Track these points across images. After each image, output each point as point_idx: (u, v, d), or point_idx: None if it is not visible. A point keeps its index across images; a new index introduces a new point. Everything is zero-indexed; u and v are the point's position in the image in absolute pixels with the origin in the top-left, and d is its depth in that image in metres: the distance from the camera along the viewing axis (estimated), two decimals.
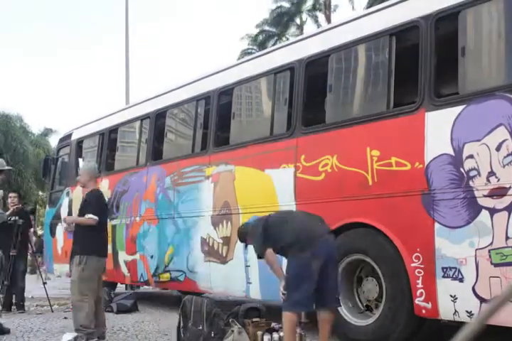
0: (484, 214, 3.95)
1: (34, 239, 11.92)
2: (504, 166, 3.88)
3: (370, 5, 21.60)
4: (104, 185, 8.75)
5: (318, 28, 26.16)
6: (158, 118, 7.84)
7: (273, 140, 5.87)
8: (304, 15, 31.03)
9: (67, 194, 9.84)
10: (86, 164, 6.78)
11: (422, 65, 4.52)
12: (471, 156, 4.07)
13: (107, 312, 7.44)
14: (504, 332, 4.09)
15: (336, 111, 5.44)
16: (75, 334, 5.04)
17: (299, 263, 4.12)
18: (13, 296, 7.98)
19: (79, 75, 78.02)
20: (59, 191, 10.29)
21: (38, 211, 35.82)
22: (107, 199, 8.62)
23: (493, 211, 3.90)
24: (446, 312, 4.19)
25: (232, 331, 4.90)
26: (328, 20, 29.00)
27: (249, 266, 5.98)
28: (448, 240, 4.17)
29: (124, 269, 8.15)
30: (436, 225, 4.24)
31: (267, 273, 5.75)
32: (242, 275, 6.05)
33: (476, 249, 3.98)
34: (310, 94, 5.55)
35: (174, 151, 7.63)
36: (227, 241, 6.28)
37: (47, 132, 33.17)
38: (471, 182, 4.05)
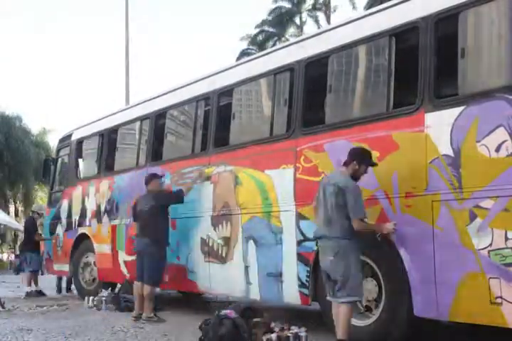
0: (484, 215, 3.96)
1: None
2: (503, 167, 3.88)
3: (369, 5, 21.62)
4: (104, 186, 8.76)
5: (318, 28, 26.20)
6: (158, 118, 7.84)
7: (273, 141, 5.87)
8: (304, 16, 31.06)
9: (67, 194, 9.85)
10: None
11: (421, 66, 4.52)
12: (470, 157, 4.08)
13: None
14: (504, 332, 4.10)
15: (335, 111, 5.45)
16: None
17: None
18: None
19: (79, 75, 78.05)
20: (59, 191, 10.30)
21: None
22: (105, 200, 8.68)
23: (492, 212, 3.91)
24: (445, 312, 4.20)
25: None
26: (328, 20, 29.03)
27: (248, 267, 5.99)
28: (447, 241, 4.18)
29: (123, 269, 8.15)
30: (436, 226, 4.25)
31: (266, 273, 5.77)
32: (241, 276, 6.06)
33: (476, 250, 3.99)
34: (310, 95, 5.55)
35: (174, 152, 7.63)
36: (227, 241, 6.29)
37: (46, 132, 33.15)
38: (470, 184, 4.06)
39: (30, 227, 10.82)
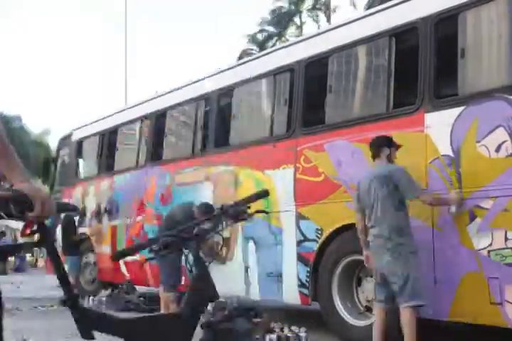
0: (483, 216, 3.97)
1: None
2: (503, 168, 3.89)
3: (369, 6, 21.61)
4: (104, 186, 8.77)
5: (318, 28, 26.20)
6: (158, 119, 7.85)
7: (273, 141, 5.88)
8: (304, 16, 31.04)
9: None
10: None
11: (421, 66, 4.53)
12: (470, 158, 4.09)
13: None
14: (504, 332, 4.10)
15: (335, 111, 5.45)
16: None
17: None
18: None
19: (79, 76, 78.06)
20: (59, 191, 10.29)
21: None
22: (106, 200, 8.68)
23: (492, 212, 3.92)
24: (445, 312, 4.21)
25: None
26: (329, 20, 29.02)
27: (248, 267, 5.99)
28: (447, 241, 4.19)
29: (123, 269, 8.15)
30: (436, 226, 4.25)
31: (266, 273, 5.78)
32: (241, 276, 6.06)
33: (476, 250, 3.99)
34: (310, 95, 5.56)
35: (174, 152, 7.64)
36: (226, 241, 6.29)
37: (47, 132, 33.16)
38: (470, 184, 4.06)
39: (71, 226, 9.15)
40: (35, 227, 1.69)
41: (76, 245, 9.13)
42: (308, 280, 5.31)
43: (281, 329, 5.01)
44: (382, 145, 4.29)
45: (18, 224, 26.64)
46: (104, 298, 7.92)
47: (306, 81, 5.59)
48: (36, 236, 1.74)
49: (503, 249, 3.84)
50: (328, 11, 29.87)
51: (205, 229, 2.39)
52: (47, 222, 1.75)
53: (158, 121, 7.86)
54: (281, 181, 5.63)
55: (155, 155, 7.82)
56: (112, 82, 74.79)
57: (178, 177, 7.16)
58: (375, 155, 4.32)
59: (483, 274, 3.94)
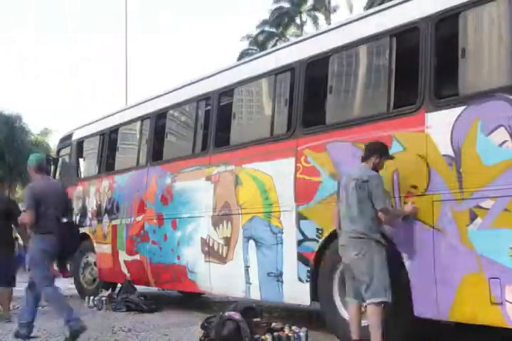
0: (484, 216, 3.96)
1: None
2: (504, 168, 3.88)
3: (369, 6, 21.62)
4: (105, 186, 8.77)
5: (318, 28, 26.22)
6: (159, 118, 7.85)
7: (273, 140, 5.87)
8: (304, 16, 31.09)
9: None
10: None
11: (422, 66, 4.53)
12: (470, 157, 4.08)
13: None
14: (504, 332, 4.10)
15: (336, 111, 5.44)
16: None
17: None
18: None
19: (78, 75, 78.08)
20: None
21: None
22: (106, 200, 8.68)
23: (492, 212, 3.91)
24: (445, 312, 4.20)
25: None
26: (328, 20, 29.05)
27: (249, 267, 5.99)
28: (447, 241, 4.19)
29: (124, 269, 8.15)
30: (436, 226, 4.25)
31: (266, 273, 5.78)
32: (242, 276, 6.06)
33: (476, 250, 3.99)
34: (310, 95, 5.55)
35: (174, 152, 7.64)
36: (227, 241, 6.29)
37: (48, 132, 33.17)
38: (470, 184, 4.06)
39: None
40: None
41: None
42: (308, 280, 5.30)
43: (281, 329, 5.01)
44: (376, 152, 4.50)
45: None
46: (104, 298, 7.92)
47: (307, 81, 5.58)
48: None
49: (504, 249, 3.84)
50: (327, 11, 29.90)
51: None
52: None
53: (158, 120, 7.86)
54: (281, 181, 5.63)
55: (156, 155, 7.82)
56: (112, 82, 74.79)
57: (179, 177, 7.16)
58: (365, 158, 4.55)
59: (483, 274, 3.94)
